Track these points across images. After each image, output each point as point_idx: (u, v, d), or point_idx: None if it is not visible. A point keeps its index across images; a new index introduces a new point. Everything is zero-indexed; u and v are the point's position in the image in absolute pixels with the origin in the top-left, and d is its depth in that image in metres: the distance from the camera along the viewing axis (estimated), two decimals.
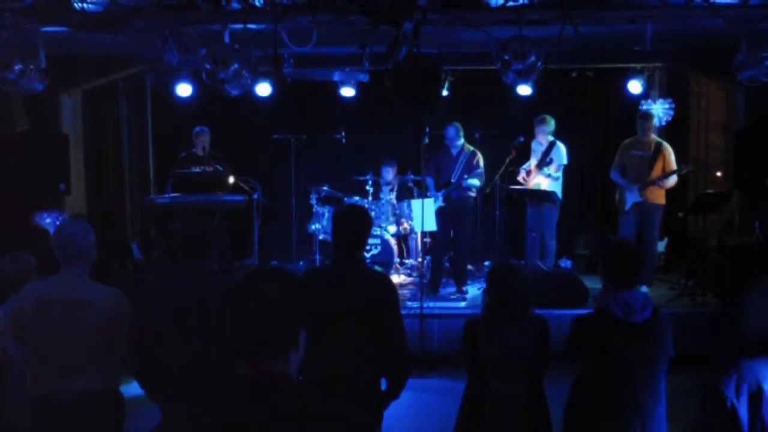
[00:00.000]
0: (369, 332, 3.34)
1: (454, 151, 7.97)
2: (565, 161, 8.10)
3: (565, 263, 9.51)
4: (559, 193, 8.12)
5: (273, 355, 1.73)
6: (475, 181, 7.90)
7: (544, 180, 8.14)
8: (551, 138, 8.17)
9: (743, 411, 2.30)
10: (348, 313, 3.30)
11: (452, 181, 7.87)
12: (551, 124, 8.18)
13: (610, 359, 3.36)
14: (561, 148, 8.15)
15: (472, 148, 8.02)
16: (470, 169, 7.88)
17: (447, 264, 8.49)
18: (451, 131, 7.90)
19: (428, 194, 8.05)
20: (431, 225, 7.62)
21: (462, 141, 7.98)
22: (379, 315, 3.37)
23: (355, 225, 3.48)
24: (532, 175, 8.27)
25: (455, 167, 7.90)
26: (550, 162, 8.06)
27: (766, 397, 2.30)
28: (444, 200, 7.89)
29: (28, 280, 3.96)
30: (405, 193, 9.23)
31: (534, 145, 8.36)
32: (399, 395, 3.50)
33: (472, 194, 8.01)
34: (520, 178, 8.38)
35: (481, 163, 7.94)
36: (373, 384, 3.44)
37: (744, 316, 2.62)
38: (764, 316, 2.53)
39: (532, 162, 8.34)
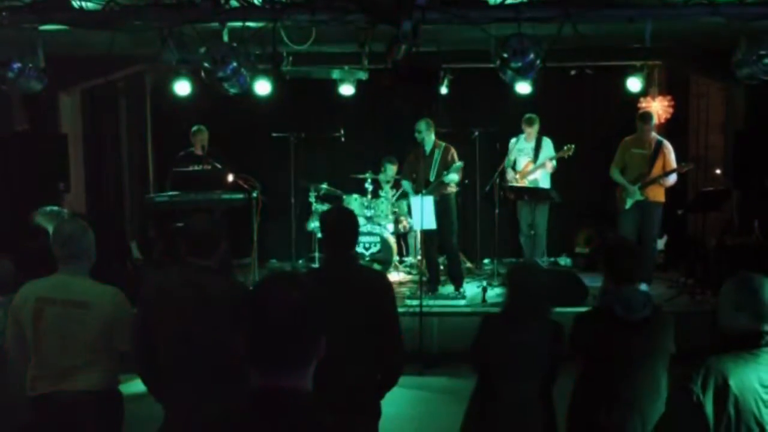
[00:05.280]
0: (367, 330, 3.35)
1: (427, 149, 7.92)
2: (554, 154, 8.33)
3: (565, 261, 9.53)
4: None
5: (294, 367, 1.67)
6: (454, 176, 7.84)
7: (540, 175, 8.29)
8: (536, 135, 8.36)
9: (709, 406, 2.32)
10: (346, 312, 3.30)
11: (431, 180, 7.84)
12: (538, 122, 8.37)
13: (610, 356, 3.37)
14: (550, 142, 8.39)
15: (444, 144, 7.97)
16: (446, 165, 7.85)
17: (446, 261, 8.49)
18: (422, 125, 7.83)
19: (408, 198, 8.05)
20: (430, 223, 7.61)
21: (433, 137, 7.93)
22: (377, 312, 3.38)
23: (344, 225, 3.51)
24: (528, 171, 8.32)
25: (431, 165, 7.87)
26: (544, 155, 8.28)
27: (732, 393, 2.32)
28: None
29: (8, 286, 3.95)
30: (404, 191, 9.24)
31: (520, 144, 8.42)
32: (392, 388, 3.52)
33: (453, 190, 7.99)
34: (510, 177, 8.44)
35: (456, 157, 7.92)
36: (372, 381, 3.44)
37: (717, 312, 2.65)
38: (734, 312, 2.56)
39: (523, 160, 8.40)
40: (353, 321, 3.29)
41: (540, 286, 3.57)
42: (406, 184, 8.15)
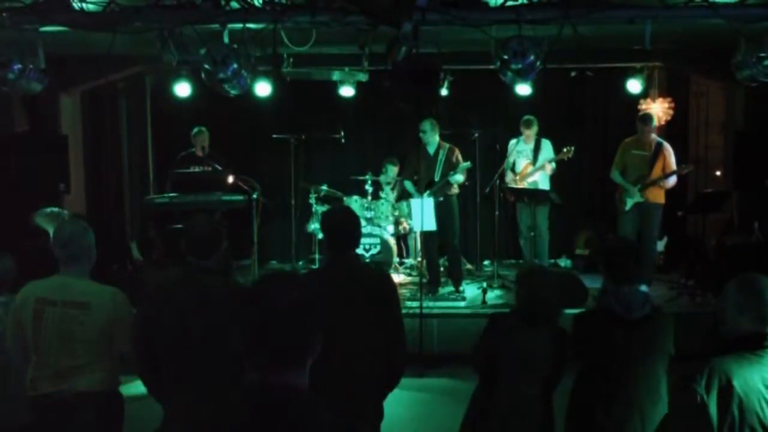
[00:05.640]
0: (372, 329, 3.35)
1: (431, 150, 7.93)
2: (553, 156, 8.31)
3: (565, 263, 9.53)
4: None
5: (291, 365, 1.68)
6: (460, 177, 7.87)
7: (539, 177, 8.27)
8: (535, 137, 8.34)
9: (713, 407, 2.32)
10: (351, 311, 3.31)
11: (435, 180, 7.85)
12: (537, 124, 8.35)
13: (609, 355, 3.37)
14: (549, 143, 8.37)
15: (448, 145, 7.99)
16: (450, 166, 7.85)
17: (446, 263, 8.48)
18: (426, 125, 7.83)
19: (411, 198, 8.04)
20: (430, 224, 7.61)
21: (437, 138, 7.94)
22: (382, 311, 3.39)
23: (347, 225, 3.53)
24: (527, 173, 8.33)
25: (436, 166, 7.87)
26: (543, 157, 8.26)
27: (736, 393, 2.32)
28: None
29: (7, 283, 3.97)
30: (404, 193, 9.23)
31: (519, 145, 8.43)
32: (394, 388, 3.53)
33: (456, 191, 8.00)
34: (509, 179, 8.44)
35: (461, 158, 7.94)
36: (376, 381, 3.45)
37: (720, 313, 2.65)
38: (736, 314, 2.55)
39: (522, 162, 8.41)
40: (359, 320, 3.29)
41: (552, 292, 3.58)
42: (408, 185, 8.13)
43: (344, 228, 3.51)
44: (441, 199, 7.80)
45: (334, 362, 3.19)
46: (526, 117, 8.37)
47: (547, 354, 3.47)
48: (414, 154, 8.08)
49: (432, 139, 7.88)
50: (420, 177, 7.93)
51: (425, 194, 7.81)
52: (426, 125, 7.82)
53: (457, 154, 7.93)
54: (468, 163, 7.86)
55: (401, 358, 3.52)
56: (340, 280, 3.35)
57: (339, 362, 3.21)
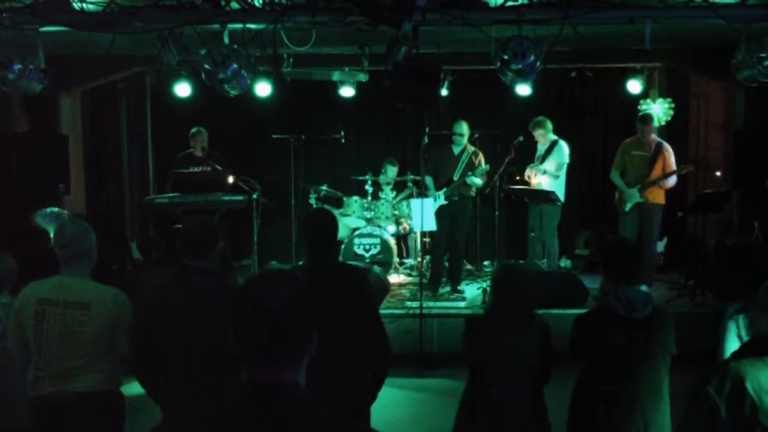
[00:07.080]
0: (351, 329, 3.34)
1: (456, 150, 7.97)
2: (566, 160, 8.09)
3: (565, 263, 9.53)
4: (561, 193, 8.08)
5: (288, 362, 1.69)
6: (478, 180, 7.90)
7: (544, 179, 8.15)
8: (552, 137, 8.18)
9: (725, 409, 2.32)
10: (330, 311, 3.30)
11: (455, 179, 7.87)
12: (547, 124, 8.16)
13: (611, 356, 3.37)
14: (563, 147, 8.16)
15: (473, 148, 8.03)
16: (472, 168, 7.89)
17: (446, 263, 8.49)
18: (464, 128, 7.90)
19: (428, 194, 8.03)
20: (431, 225, 7.62)
21: (466, 140, 7.99)
22: (360, 310, 3.39)
23: (324, 226, 3.55)
24: (533, 174, 8.30)
25: (457, 166, 7.91)
26: (550, 160, 8.08)
27: (749, 395, 2.32)
28: (446, 198, 7.89)
29: (9, 283, 3.97)
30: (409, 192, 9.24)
31: (538, 146, 8.38)
32: (381, 386, 3.52)
33: (473, 194, 8.02)
34: (525, 177, 8.41)
35: (483, 163, 7.97)
36: (359, 381, 3.44)
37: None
38: (758, 313, 2.55)
39: (536, 163, 8.37)
40: (338, 321, 3.27)
41: (525, 290, 3.55)
42: (429, 181, 8.08)
43: (321, 230, 3.53)
44: (456, 198, 7.83)
45: (316, 364, 3.18)
46: (535, 119, 8.25)
47: (530, 352, 3.46)
48: (436, 152, 8.06)
49: (463, 141, 7.93)
50: (438, 175, 7.93)
51: (441, 192, 7.86)
52: (463, 128, 7.90)
53: (480, 158, 7.98)
54: (486, 167, 7.88)
55: (383, 359, 3.50)
56: (318, 281, 3.35)
57: (321, 364, 3.20)
